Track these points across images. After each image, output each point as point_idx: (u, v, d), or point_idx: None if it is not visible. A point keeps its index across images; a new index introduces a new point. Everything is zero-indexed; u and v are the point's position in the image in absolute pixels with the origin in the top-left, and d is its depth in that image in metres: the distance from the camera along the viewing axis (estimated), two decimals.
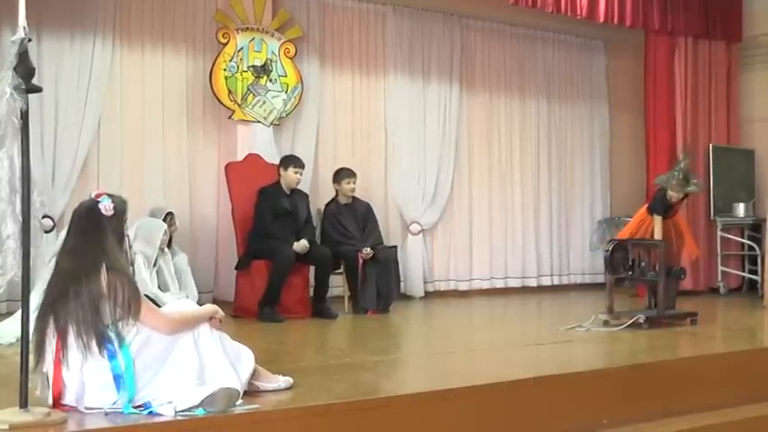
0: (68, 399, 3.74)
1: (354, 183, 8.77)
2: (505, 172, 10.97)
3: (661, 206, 8.04)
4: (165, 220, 7.65)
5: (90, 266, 3.74)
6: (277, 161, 8.48)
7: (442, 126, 10.33)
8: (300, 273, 8.12)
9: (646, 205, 8.38)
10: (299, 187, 8.49)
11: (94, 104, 8.25)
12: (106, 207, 3.86)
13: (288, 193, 8.25)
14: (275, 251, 7.84)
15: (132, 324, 3.78)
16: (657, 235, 7.88)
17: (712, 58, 11.14)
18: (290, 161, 8.32)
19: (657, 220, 8.00)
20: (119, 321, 3.75)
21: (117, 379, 3.70)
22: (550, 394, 4.76)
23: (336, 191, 8.81)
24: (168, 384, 3.77)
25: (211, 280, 8.84)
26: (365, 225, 8.77)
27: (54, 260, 3.95)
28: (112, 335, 3.74)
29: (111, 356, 3.71)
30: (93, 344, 3.70)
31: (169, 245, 7.86)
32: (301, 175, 8.34)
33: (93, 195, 3.94)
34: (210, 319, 4.09)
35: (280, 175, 8.27)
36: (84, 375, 3.72)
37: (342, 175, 8.79)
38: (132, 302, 3.77)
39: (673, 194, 7.98)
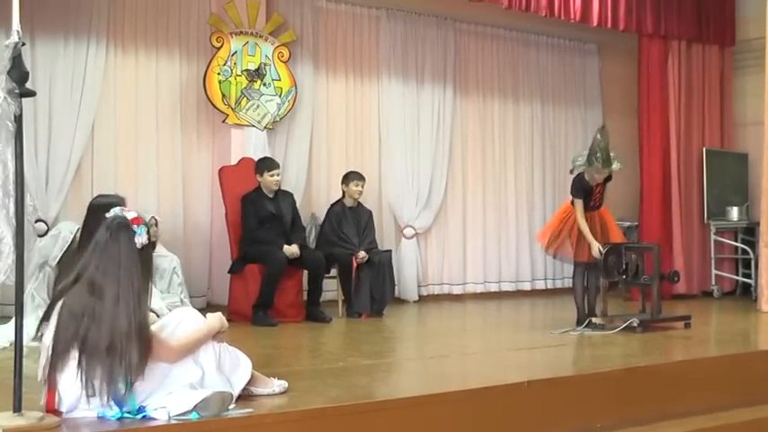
0: (62, 408, 3.72)
1: (362, 186, 8.81)
2: (499, 175, 10.99)
3: (581, 190, 7.57)
4: (149, 225, 7.70)
5: (121, 313, 3.62)
6: None
7: (435, 130, 10.34)
8: (294, 276, 8.14)
9: (569, 200, 7.78)
10: (290, 189, 8.51)
11: (88, 108, 8.24)
12: (142, 241, 3.72)
13: (271, 196, 8.25)
14: (267, 256, 7.84)
15: (142, 370, 3.69)
16: (581, 221, 7.46)
17: (705, 62, 11.17)
18: (264, 166, 8.30)
19: (579, 203, 7.54)
20: (131, 366, 3.66)
21: (119, 404, 3.67)
22: (544, 398, 4.76)
23: (343, 192, 8.83)
24: (165, 395, 3.75)
25: (205, 283, 8.83)
26: (364, 231, 8.78)
27: (43, 269, 3.87)
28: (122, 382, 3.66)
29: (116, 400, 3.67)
30: (110, 391, 3.63)
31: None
32: (278, 176, 8.32)
33: (129, 218, 3.75)
34: (215, 333, 4.05)
35: (258, 181, 8.27)
36: (83, 398, 3.68)
37: (351, 177, 8.83)
38: (145, 348, 3.67)
39: (596, 177, 7.47)
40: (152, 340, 3.74)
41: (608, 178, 7.69)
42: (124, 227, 3.74)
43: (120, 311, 3.63)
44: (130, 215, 3.77)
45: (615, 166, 7.58)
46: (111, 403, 3.66)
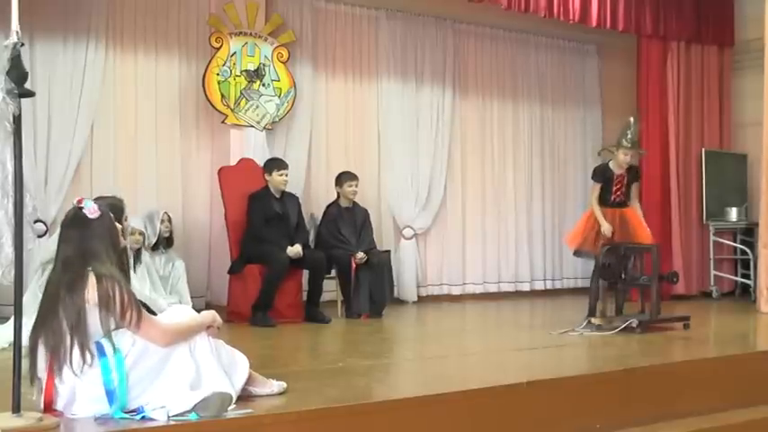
0: (59, 405, 3.72)
1: (356, 186, 8.80)
2: (498, 176, 10.99)
3: (600, 175, 7.92)
4: (162, 221, 7.77)
5: (75, 275, 3.69)
6: None
7: (434, 130, 10.34)
8: (294, 277, 8.14)
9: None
10: (290, 190, 8.51)
11: (87, 108, 8.25)
12: (90, 210, 3.80)
13: (278, 196, 8.26)
14: (269, 256, 7.84)
15: (129, 334, 3.73)
16: (594, 203, 7.83)
17: (705, 63, 11.18)
18: (274, 164, 8.32)
19: (595, 187, 7.92)
20: (114, 330, 3.70)
21: (109, 393, 3.67)
22: (543, 399, 4.75)
23: (338, 193, 8.82)
24: (162, 393, 3.75)
25: (204, 284, 8.82)
26: (361, 231, 8.77)
27: (47, 267, 3.93)
28: (107, 345, 3.68)
29: (106, 371, 3.68)
30: (78, 356, 3.64)
31: (168, 245, 7.89)
32: (287, 176, 8.33)
33: (74, 203, 3.87)
34: (208, 327, 4.06)
35: (266, 180, 8.27)
36: (76, 386, 3.68)
37: (344, 177, 8.81)
38: (129, 311, 3.70)
39: (623, 159, 7.74)
40: (141, 316, 3.76)
41: (635, 177, 7.94)
42: (72, 213, 3.85)
43: (75, 275, 3.70)
44: (76, 200, 3.89)
45: (642, 151, 8.10)
46: (96, 365, 3.68)
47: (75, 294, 3.67)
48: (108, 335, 3.69)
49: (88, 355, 3.65)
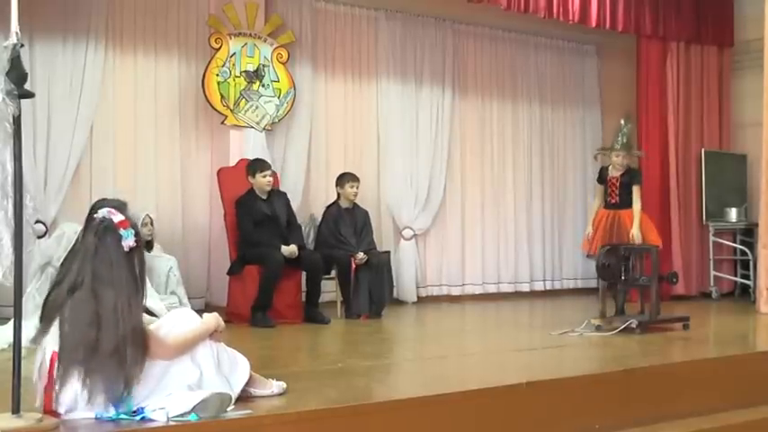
0: (60, 410, 3.70)
1: (357, 188, 8.80)
2: (498, 177, 10.99)
3: (599, 176, 8.49)
4: (144, 224, 7.58)
5: (119, 317, 3.61)
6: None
7: (434, 131, 10.34)
8: (293, 278, 8.12)
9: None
10: (289, 191, 8.49)
11: (87, 109, 8.24)
12: (128, 243, 3.69)
13: (264, 197, 8.22)
14: (265, 257, 7.82)
15: (140, 371, 3.70)
16: (593, 203, 8.61)
17: (704, 63, 11.18)
18: (256, 167, 8.24)
19: (597, 189, 8.59)
20: (131, 368, 3.67)
21: (115, 404, 3.66)
22: (543, 399, 4.75)
23: (338, 194, 8.82)
24: (163, 395, 3.75)
25: (204, 285, 8.82)
26: (361, 232, 8.77)
27: (45, 269, 3.86)
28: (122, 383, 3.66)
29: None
30: (107, 395, 3.63)
31: (148, 249, 7.70)
32: (270, 176, 8.27)
33: (115, 221, 3.71)
34: (211, 333, 4.05)
35: (250, 183, 8.24)
36: (78, 395, 3.66)
37: (345, 178, 8.81)
38: (142, 350, 3.67)
39: (615, 161, 8.19)
40: (149, 340, 3.74)
41: (633, 180, 8.22)
42: (111, 230, 3.71)
43: (118, 317, 3.62)
44: (117, 218, 3.73)
45: (636, 152, 8.63)
46: (110, 405, 3.66)
47: (134, 347, 3.62)
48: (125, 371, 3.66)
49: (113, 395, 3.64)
